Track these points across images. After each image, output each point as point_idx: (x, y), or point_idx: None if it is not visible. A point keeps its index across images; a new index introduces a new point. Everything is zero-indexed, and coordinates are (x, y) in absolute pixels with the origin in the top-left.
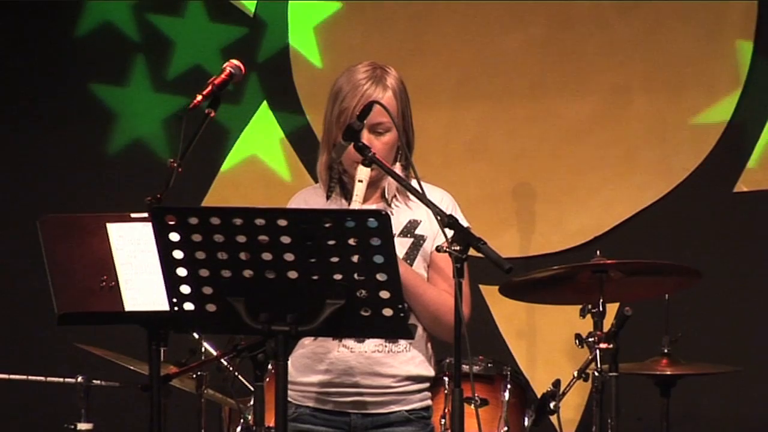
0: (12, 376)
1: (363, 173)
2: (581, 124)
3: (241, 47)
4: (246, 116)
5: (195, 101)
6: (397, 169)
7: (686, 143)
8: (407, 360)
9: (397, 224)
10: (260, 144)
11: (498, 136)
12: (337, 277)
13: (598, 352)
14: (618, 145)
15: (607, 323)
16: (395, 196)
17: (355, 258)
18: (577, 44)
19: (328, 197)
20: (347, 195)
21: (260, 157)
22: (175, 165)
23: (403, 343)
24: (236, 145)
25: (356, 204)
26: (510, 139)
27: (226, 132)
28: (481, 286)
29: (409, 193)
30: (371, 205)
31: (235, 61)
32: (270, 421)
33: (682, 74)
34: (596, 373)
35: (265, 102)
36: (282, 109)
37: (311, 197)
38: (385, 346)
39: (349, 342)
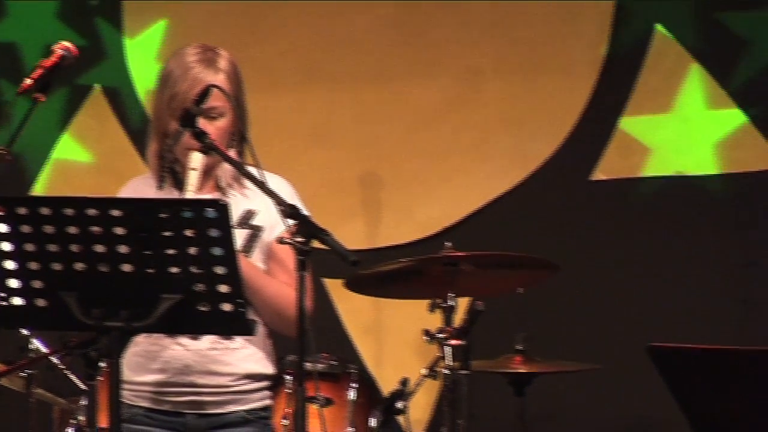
0: None
1: (197, 161)
2: (431, 109)
3: None
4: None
5: (24, 85)
6: (232, 155)
7: (541, 129)
8: (245, 357)
9: (233, 214)
10: None
11: (344, 121)
12: (174, 270)
13: (448, 348)
14: (470, 130)
15: (459, 319)
16: (230, 184)
17: (192, 250)
18: (426, 25)
19: (159, 187)
20: (179, 184)
21: None
22: (3, 153)
23: (240, 339)
24: (68, 132)
25: (190, 194)
26: (356, 125)
27: (59, 118)
28: (325, 280)
29: (244, 182)
30: (207, 195)
31: (65, 43)
32: (103, 422)
33: (538, 56)
34: (446, 371)
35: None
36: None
37: (142, 187)
38: (221, 343)
39: (184, 339)
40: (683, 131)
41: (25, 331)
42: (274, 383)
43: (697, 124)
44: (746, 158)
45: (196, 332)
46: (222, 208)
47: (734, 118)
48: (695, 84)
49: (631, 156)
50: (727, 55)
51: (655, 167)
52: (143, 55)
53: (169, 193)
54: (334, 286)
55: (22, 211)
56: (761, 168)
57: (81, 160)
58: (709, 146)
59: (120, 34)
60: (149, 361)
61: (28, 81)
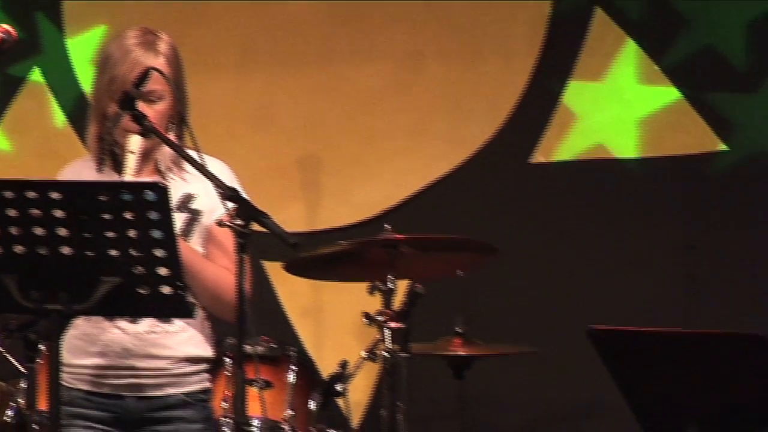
0: None
1: (135, 144)
2: (370, 92)
3: None
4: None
5: None
6: (172, 139)
7: (481, 112)
8: (184, 340)
9: (172, 198)
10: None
11: (283, 105)
12: (114, 253)
13: (388, 331)
14: (409, 113)
15: (398, 301)
16: (170, 168)
17: (132, 233)
18: (366, 8)
19: (99, 170)
20: (119, 167)
21: None
22: None
23: (179, 322)
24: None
25: (129, 177)
26: (296, 108)
27: None
28: (264, 263)
29: (184, 166)
30: (146, 178)
31: (5, 26)
32: (42, 404)
33: (477, 40)
34: (386, 354)
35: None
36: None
37: (81, 170)
38: (160, 327)
39: (123, 323)
40: (613, 105)
41: None
42: (214, 366)
43: (627, 98)
44: (684, 138)
45: (135, 315)
46: (161, 190)
47: (666, 95)
48: (630, 59)
49: (569, 138)
50: (666, 32)
51: (579, 137)
52: (82, 55)
53: (109, 176)
54: (274, 269)
55: None
56: (701, 150)
57: (5, 149)
58: (639, 123)
59: (59, 31)
60: (89, 344)
61: None
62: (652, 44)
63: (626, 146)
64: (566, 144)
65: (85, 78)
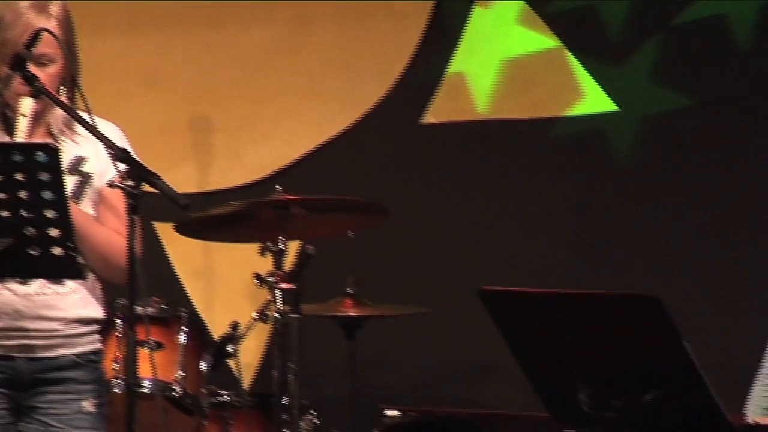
0: None
1: (27, 107)
2: (262, 53)
3: None
4: None
5: None
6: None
7: (372, 73)
8: (76, 302)
9: (64, 161)
10: None
11: (174, 65)
12: (4, 214)
13: (279, 292)
14: (301, 74)
15: (289, 262)
16: (62, 131)
17: (23, 194)
18: None
19: None
20: (10, 130)
21: None
22: None
23: (70, 284)
24: None
25: (20, 139)
26: (187, 69)
27: None
28: (155, 224)
29: (76, 129)
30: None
31: None
32: None
33: (368, 1)
34: (277, 315)
35: None
36: None
37: None
38: (51, 288)
39: (13, 284)
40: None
41: None
42: (105, 327)
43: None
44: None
45: (26, 276)
46: (53, 151)
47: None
48: (517, 17)
49: (461, 99)
50: None
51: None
52: None
53: (0, 139)
54: (165, 231)
55: None
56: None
57: None
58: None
59: None
60: None
61: None
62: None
63: (517, 108)
64: (457, 105)
65: None
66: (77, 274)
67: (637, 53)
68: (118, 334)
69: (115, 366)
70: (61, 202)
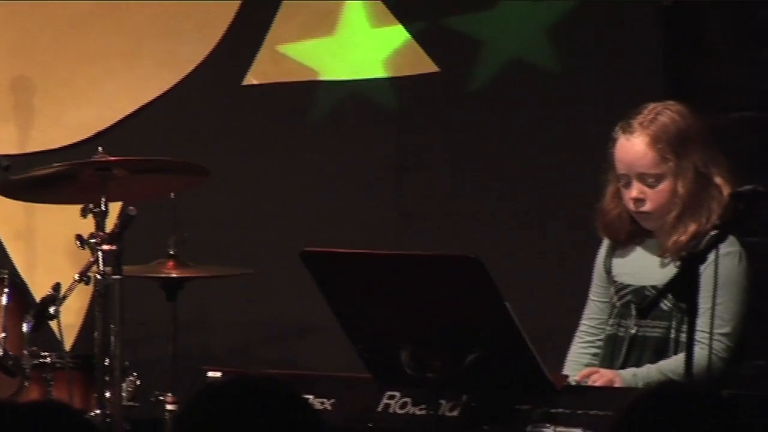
0: None
1: None
2: (82, 14)
3: None
4: None
5: None
6: None
7: (194, 33)
8: None
9: None
10: None
11: None
12: None
13: (100, 253)
14: (122, 34)
15: (111, 224)
16: None
17: None
18: None
19: None
20: None
21: None
22: None
23: None
24: None
25: None
26: (5, 28)
27: None
28: None
29: None
30: None
31: None
32: None
33: None
34: (99, 276)
35: None
36: None
37: None
38: None
39: None
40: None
41: None
42: None
43: (362, 44)
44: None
45: None
46: None
47: (397, 35)
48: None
49: (283, 61)
50: None
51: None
52: None
53: None
54: None
55: None
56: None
57: None
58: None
59: None
60: None
61: None
62: None
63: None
64: (279, 66)
65: None
66: None
67: None
68: None
69: None
70: None
